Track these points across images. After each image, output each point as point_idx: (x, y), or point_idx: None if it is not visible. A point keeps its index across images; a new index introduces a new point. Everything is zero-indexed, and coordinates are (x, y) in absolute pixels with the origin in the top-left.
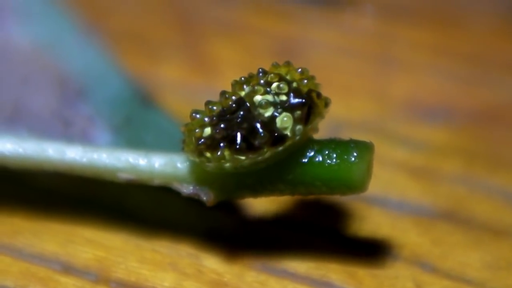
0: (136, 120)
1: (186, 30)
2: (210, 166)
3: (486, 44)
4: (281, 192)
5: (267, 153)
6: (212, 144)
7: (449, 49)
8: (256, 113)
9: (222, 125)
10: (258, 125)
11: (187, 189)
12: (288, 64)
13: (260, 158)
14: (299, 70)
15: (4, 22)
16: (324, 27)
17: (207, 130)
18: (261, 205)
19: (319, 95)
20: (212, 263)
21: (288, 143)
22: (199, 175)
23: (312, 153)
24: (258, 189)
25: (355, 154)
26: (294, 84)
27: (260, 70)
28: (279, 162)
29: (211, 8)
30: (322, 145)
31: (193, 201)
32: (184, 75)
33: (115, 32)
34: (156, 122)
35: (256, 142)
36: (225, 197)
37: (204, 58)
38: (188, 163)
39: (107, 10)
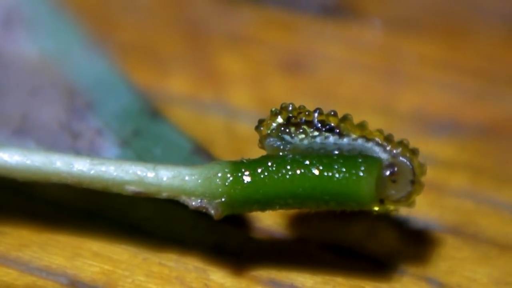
0: (145, 133)
1: (195, 43)
2: (288, 141)
3: (494, 57)
4: (289, 206)
5: (330, 138)
6: (296, 119)
7: (456, 62)
8: None
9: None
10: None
11: (195, 202)
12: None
13: (330, 140)
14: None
15: (13, 34)
16: (332, 40)
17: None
18: (268, 218)
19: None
20: (219, 277)
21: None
22: (207, 189)
23: (321, 168)
24: (266, 203)
25: (363, 168)
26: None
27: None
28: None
29: (220, 21)
30: (330, 160)
31: (200, 214)
32: (192, 88)
33: (123, 45)
34: (164, 135)
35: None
36: (233, 211)
37: (212, 71)
38: (196, 176)
39: (115, 23)
